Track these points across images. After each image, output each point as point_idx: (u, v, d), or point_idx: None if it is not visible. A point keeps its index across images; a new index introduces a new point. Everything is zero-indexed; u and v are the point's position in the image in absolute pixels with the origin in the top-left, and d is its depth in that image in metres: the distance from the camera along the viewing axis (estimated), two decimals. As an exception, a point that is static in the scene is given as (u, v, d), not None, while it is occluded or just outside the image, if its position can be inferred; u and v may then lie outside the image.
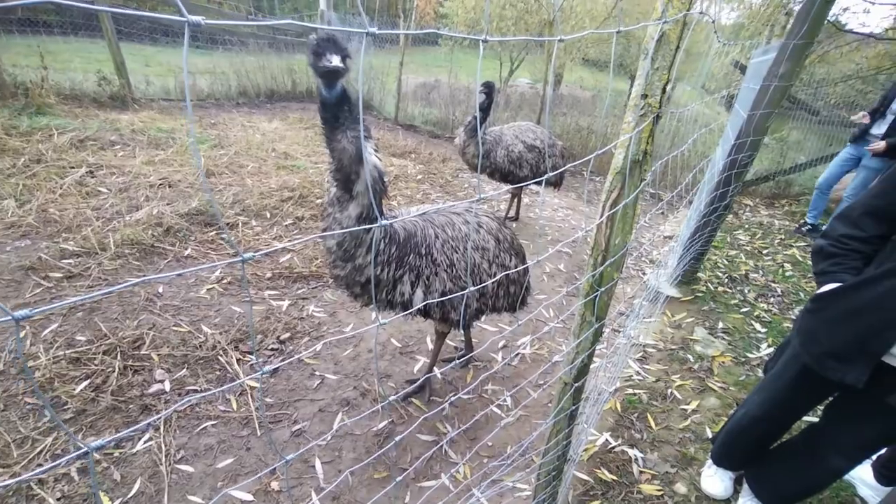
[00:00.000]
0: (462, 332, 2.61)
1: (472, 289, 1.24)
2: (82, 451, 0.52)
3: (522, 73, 16.52)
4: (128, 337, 2.43)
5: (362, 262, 1.67)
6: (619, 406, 2.41)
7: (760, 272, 4.15)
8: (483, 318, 2.34)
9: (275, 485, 1.85)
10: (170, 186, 4.11)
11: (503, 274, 2.08)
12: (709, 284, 3.75)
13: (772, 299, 3.66)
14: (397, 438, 1.03)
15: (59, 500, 1.66)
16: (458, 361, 2.66)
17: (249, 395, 2.24)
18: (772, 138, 7.50)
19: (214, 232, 3.54)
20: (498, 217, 2.26)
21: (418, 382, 2.40)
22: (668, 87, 1.15)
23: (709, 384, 2.62)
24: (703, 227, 3.29)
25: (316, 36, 1.32)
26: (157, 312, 2.67)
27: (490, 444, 2.18)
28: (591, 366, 2.61)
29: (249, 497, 1.79)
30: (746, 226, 5.41)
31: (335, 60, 1.26)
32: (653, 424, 2.31)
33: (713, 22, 1.74)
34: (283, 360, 2.47)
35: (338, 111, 1.41)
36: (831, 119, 7.03)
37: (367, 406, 2.31)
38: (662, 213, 5.73)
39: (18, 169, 3.86)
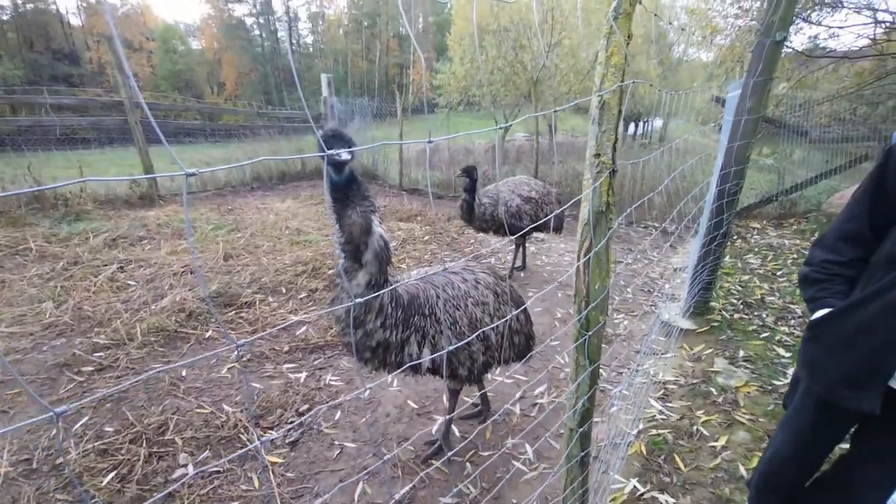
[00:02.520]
0: (475, 387, 2.63)
1: (453, 346, 1.32)
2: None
3: (518, 127, 17.35)
4: (153, 423, 2.51)
5: (372, 328, 1.76)
6: (644, 449, 2.33)
7: (777, 294, 4.08)
8: (493, 370, 2.36)
9: (298, 565, 1.82)
10: (191, 273, 4.36)
11: (503, 321, 2.14)
12: (724, 312, 3.70)
13: (792, 321, 3.58)
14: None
15: None
16: (470, 413, 2.64)
17: (271, 472, 2.26)
18: (771, 158, 7.63)
19: (234, 312, 3.71)
20: (495, 271, 2.36)
21: (436, 444, 2.40)
22: (617, 145, 1.29)
23: (736, 417, 2.53)
24: (706, 256, 3.32)
25: (323, 133, 1.52)
26: (181, 396, 2.77)
27: (514, 501, 2.12)
28: (611, 409, 2.58)
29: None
30: (756, 249, 5.37)
31: (344, 154, 1.46)
32: (682, 466, 2.23)
33: (651, 85, 1.93)
34: (301, 433, 2.50)
35: (347, 191, 1.60)
36: (824, 138, 7.17)
37: (388, 473, 2.29)
38: (671, 245, 5.76)
39: (57, 272, 4.19)
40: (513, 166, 10.22)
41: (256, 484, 2.19)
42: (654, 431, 2.47)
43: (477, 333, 1.72)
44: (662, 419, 2.57)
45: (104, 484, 2.11)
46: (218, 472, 2.25)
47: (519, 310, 2.29)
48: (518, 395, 2.89)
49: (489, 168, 9.90)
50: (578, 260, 1.36)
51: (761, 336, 3.36)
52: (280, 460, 2.33)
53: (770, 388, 2.78)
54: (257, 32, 40.41)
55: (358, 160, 9.66)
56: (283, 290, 4.09)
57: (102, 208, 6.21)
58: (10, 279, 4.02)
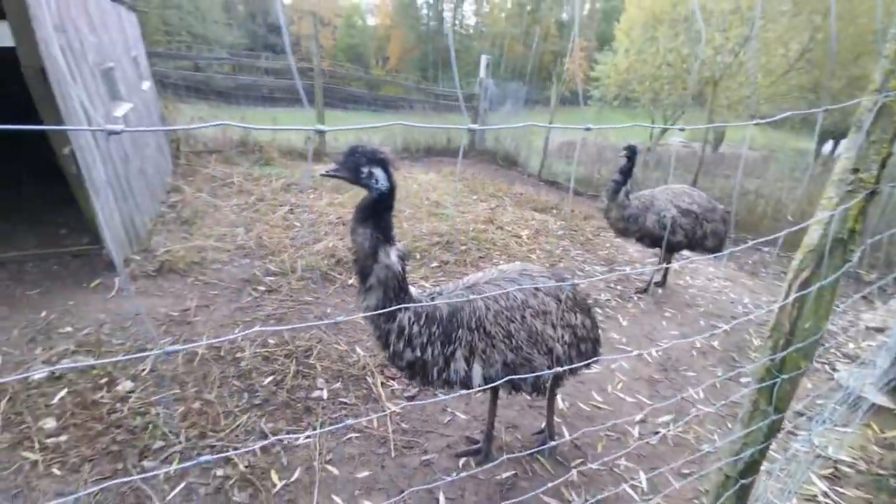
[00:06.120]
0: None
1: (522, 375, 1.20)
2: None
3: (673, 130, 15.54)
4: (301, 346, 2.93)
5: (396, 349, 1.71)
6: (795, 529, 1.95)
7: None
8: (564, 383, 2.24)
9: (402, 507, 1.97)
10: (343, 225, 4.91)
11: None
12: (941, 399, 2.84)
13: None
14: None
15: (246, 467, 2.07)
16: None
17: (388, 418, 2.47)
18: None
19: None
20: (556, 273, 2.17)
21: (539, 441, 2.34)
22: (888, 161, 1.03)
23: (942, 535, 1.95)
24: (932, 322, 2.57)
25: (353, 149, 1.49)
26: (324, 329, 3.17)
27: (621, 529, 1.97)
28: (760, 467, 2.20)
29: (380, 512, 1.94)
30: None
31: (381, 183, 1.50)
32: (847, 567, 1.81)
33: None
34: (418, 390, 2.66)
35: (370, 211, 1.52)
36: None
37: (493, 452, 2.32)
38: (864, 297, 4.62)
39: (249, 205, 5.11)
40: (664, 173, 9.20)
41: (375, 424, 2.42)
42: (811, 513, 2.05)
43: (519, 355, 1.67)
44: (826, 503, 2.11)
45: (265, 384, 2.55)
46: (346, 403, 2.54)
47: (585, 315, 2.12)
48: (639, 417, 2.65)
49: (638, 172, 9.07)
50: (788, 293, 1.14)
51: None
52: (397, 410, 2.53)
53: None
54: (425, 11, 42.74)
55: (502, 144, 9.67)
56: (418, 256, 4.36)
57: (284, 158, 7.33)
58: (220, 205, 5.04)
